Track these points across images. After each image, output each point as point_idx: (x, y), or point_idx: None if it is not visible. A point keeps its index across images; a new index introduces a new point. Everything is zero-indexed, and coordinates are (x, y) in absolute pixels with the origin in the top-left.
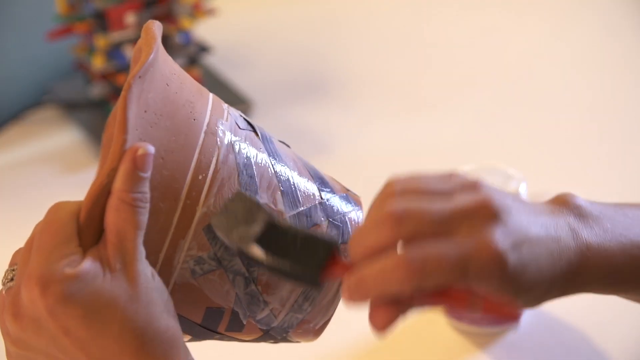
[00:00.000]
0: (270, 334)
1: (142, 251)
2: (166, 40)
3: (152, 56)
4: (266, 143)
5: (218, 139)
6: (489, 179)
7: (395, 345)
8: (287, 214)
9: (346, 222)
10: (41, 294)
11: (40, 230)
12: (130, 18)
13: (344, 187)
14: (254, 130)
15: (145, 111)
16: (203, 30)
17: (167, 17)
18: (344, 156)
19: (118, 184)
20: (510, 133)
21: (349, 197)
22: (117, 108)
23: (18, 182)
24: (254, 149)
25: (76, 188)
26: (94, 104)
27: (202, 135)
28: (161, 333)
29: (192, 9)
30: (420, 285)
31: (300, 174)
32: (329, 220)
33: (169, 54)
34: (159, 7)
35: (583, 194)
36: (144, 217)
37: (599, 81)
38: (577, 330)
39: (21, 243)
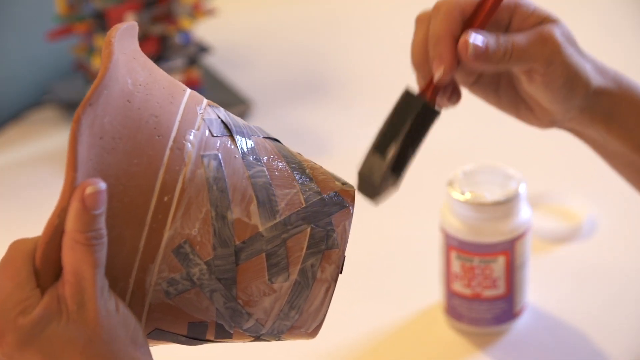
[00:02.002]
0: (262, 339)
1: (102, 287)
2: (166, 41)
3: (105, 77)
4: (243, 147)
5: (185, 154)
6: (489, 179)
7: (395, 345)
8: (262, 227)
9: (331, 224)
10: None
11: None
12: (130, 18)
13: (335, 181)
14: (231, 134)
15: (100, 138)
16: (203, 30)
17: (167, 17)
18: (344, 156)
19: (69, 224)
20: (510, 133)
21: (338, 195)
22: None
23: (18, 182)
24: (227, 158)
25: None
26: None
27: (167, 152)
28: None
29: (192, 9)
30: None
31: (281, 177)
32: (312, 226)
33: (169, 54)
34: (158, 7)
35: (583, 194)
36: (101, 254)
37: None
38: (577, 330)
39: None
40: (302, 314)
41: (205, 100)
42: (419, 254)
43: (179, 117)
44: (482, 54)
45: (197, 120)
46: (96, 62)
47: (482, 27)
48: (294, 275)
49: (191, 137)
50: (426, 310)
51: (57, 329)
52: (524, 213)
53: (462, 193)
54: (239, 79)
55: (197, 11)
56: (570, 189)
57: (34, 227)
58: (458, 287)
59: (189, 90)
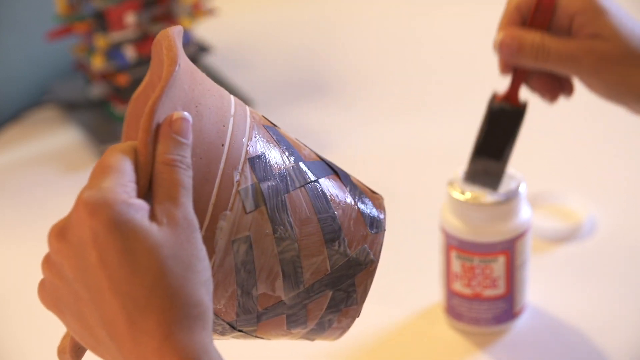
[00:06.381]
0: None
1: (191, 215)
2: None
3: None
4: (275, 217)
5: (215, 244)
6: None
7: (396, 345)
8: (285, 297)
9: (354, 284)
10: (90, 214)
11: (98, 164)
12: (130, 18)
13: (366, 228)
14: (265, 204)
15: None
16: (203, 30)
17: (167, 17)
18: (344, 156)
19: (159, 147)
20: None
21: (365, 249)
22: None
23: (18, 182)
24: (257, 237)
25: (76, 188)
26: (94, 104)
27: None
28: (190, 305)
29: (192, 9)
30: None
31: (310, 244)
32: (334, 290)
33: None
34: (158, 7)
35: (583, 194)
36: (187, 177)
37: None
38: (577, 330)
39: (22, 242)
40: (314, 340)
41: (244, 148)
42: (419, 254)
43: (212, 200)
44: (512, 52)
45: (231, 194)
46: (96, 62)
47: (541, 26)
48: (312, 326)
49: (223, 223)
50: (426, 310)
51: (148, 226)
52: (524, 213)
53: (462, 193)
54: (239, 79)
55: (197, 11)
56: (570, 189)
57: (34, 227)
58: (458, 286)
59: (228, 139)
